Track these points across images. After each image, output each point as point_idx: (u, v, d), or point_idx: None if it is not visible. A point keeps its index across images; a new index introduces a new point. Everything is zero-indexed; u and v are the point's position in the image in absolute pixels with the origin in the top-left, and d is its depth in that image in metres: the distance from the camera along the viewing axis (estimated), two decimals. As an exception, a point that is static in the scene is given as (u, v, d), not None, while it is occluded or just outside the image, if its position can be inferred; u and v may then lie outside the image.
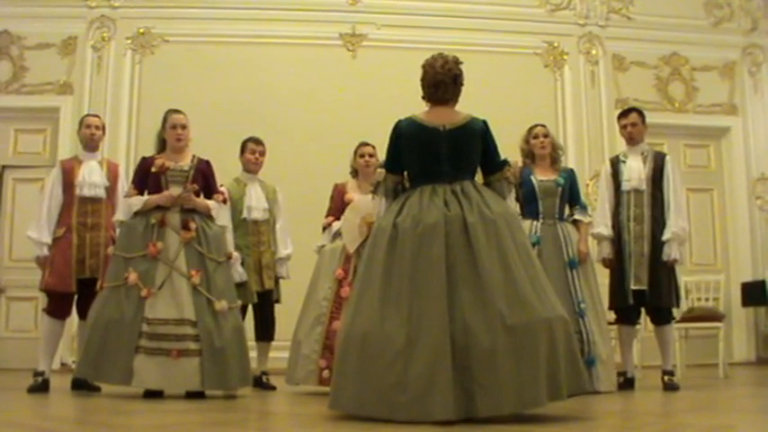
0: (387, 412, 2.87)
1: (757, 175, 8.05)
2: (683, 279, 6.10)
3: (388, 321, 2.99)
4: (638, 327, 5.24)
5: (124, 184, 4.85)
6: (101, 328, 4.16)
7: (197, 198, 4.45)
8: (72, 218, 4.73)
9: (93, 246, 4.71)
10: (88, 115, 5.29)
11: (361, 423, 2.87)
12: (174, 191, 4.40)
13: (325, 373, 4.37)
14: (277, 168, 5.85)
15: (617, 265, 4.86)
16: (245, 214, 5.13)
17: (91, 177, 4.79)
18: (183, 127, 4.54)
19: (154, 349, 4.07)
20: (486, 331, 2.88)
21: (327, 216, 4.94)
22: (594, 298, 4.70)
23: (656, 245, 4.76)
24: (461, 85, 3.41)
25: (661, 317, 4.84)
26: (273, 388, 5.02)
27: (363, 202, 4.43)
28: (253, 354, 4.78)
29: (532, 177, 4.84)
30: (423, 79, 3.40)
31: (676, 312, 5.38)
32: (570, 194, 4.90)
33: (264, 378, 5.12)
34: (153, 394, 4.14)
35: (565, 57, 7.98)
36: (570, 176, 4.94)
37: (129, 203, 4.41)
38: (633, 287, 4.76)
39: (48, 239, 4.69)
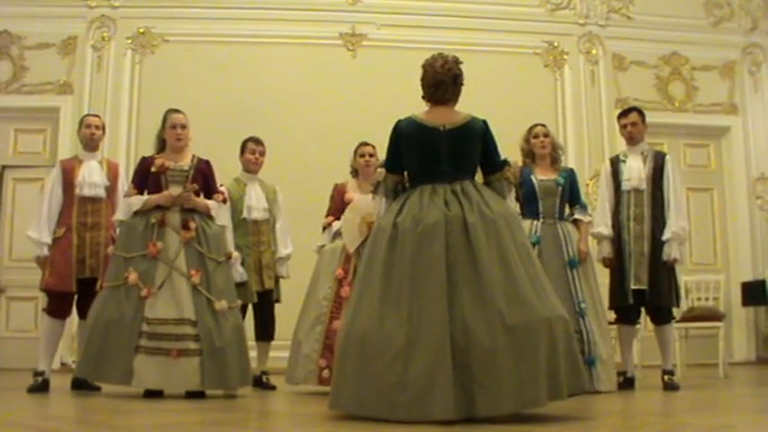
0: (387, 412, 2.87)
1: (757, 174, 8.05)
2: (683, 279, 6.09)
3: (388, 321, 2.99)
4: (638, 326, 5.24)
5: (124, 183, 4.85)
6: (101, 328, 4.16)
7: (197, 198, 4.45)
8: (72, 218, 4.73)
9: (93, 245, 4.71)
10: (88, 115, 5.29)
11: (361, 423, 2.87)
12: (174, 191, 4.40)
13: (325, 373, 4.37)
14: (277, 168, 5.85)
15: (617, 264, 4.86)
16: (245, 214, 5.13)
17: (91, 177, 4.79)
18: (183, 127, 4.54)
19: (154, 349, 4.07)
20: (486, 331, 2.88)
21: (327, 216, 4.94)
22: (595, 297, 4.70)
23: (656, 244, 4.77)
24: (461, 84, 3.41)
25: (661, 316, 4.84)
26: (273, 388, 5.03)
27: (363, 202, 4.43)
28: (253, 353, 4.79)
29: (532, 177, 4.84)
30: (423, 79, 3.40)
31: (676, 312, 5.38)
32: (570, 194, 4.90)
33: (264, 378, 5.12)
34: (153, 394, 4.14)
35: (565, 56, 7.98)
36: (570, 176, 4.94)
37: (128, 203, 4.41)
38: (633, 287, 4.76)
39: (48, 239, 4.69)
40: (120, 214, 4.48)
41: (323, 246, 4.90)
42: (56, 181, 4.80)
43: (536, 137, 4.94)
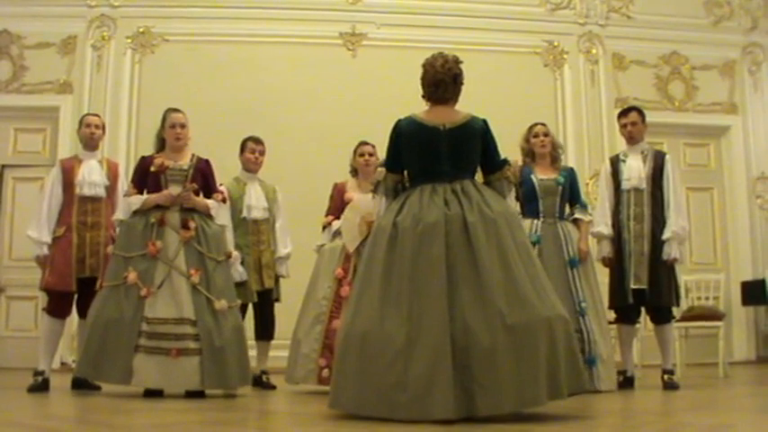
0: (387, 411, 2.87)
1: (757, 173, 8.05)
2: (683, 278, 6.09)
3: (387, 321, 2.99)
4: (637, 326, 5.24)
5: (124, 183, 4.85)
6: (100, 328, 4.16)
7: (196, 197, 4.45)
8: (72, 217, 4.73)
9: (92, 245, 4.71)
10: (88, 114, 5.29)
11: (361, 422, 2.87)
12: (174, 190, 4.40)
13: (325, 373, 4.37)
14: (277, 168, 5.85)
15: (617, 264, 4.86)
16: (244, 213, 5.13)
17: (91, 176, 4.79)
18: (183, 126, 4.54)
19: (153, 348, 4.07)
20: (486, 330, 2.88)
21: (327, 215, 4.94)
22: (595, 297, 4.70)
23: (656, 244, 4.77)
24: (461, 84, 3.41)
25: (661, 316, 4.84)
26: (273, 387, 5.03)
27: (363, 202, 4.43)
28: (252, 353, 4.79)
29: (533, 176, 4.84)
30: (423, 78, 3.40)
31: (676, 311, 5.37)
32: (570, 193, 4.90)
33: (264, 377, 5.12)
34: (153, 393, 4.14)
35: (565, 56, 7.98)
36: (570, 175, 4.94)
37: (128, 202, 4.41)
38: (633, 286, 4.76)
39: (47, 239, 4.69)
40: (120, 214, 4.48)
41: (322, 245, 4.90)
42: (56, 180, 4.80)
43: (536, 136, 4.94)
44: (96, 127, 4.98)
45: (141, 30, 7.54)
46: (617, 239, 4.87)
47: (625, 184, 4.89)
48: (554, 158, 4.96)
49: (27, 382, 4.55)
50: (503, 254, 3.04)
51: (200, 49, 7.51)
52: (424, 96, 3.44)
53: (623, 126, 5.04)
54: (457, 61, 3.39)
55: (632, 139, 5.00)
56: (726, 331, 6.30)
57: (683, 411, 3.51)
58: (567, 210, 4.91)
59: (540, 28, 7.99)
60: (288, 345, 4.80)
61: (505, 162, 3.44)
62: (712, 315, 6.15)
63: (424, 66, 3.39)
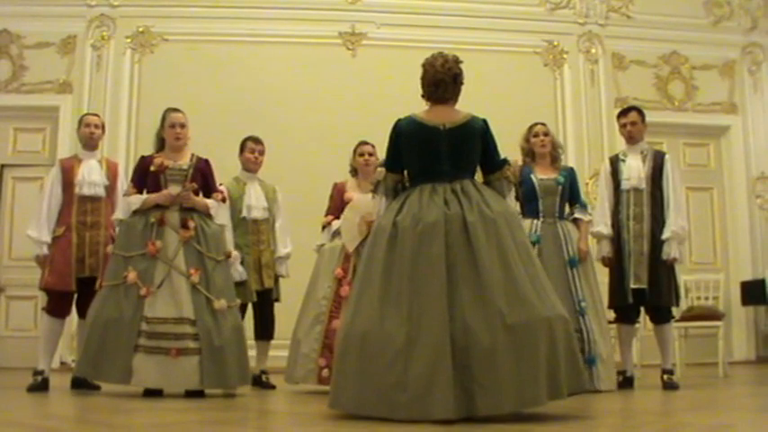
0: (387, 411, 2.87)
1: (757, 173, 8.05)
2: (683, 278, 6.09)
3: (387, 320, 2.98)
4: (637, 326, 5.24)
5: (123, 182, 4.85)
6: (100, 327, 4.16)
7: (196, 197, 4.45)
8: (71, 217, 4.73)
9: (92, 244, 4.71)
10: (87, 114, 5.29)
11: (360, 422, 2.87)
12: (173, 190, 4.39)
13: (325, 372, 4.37)
14: (277, 167, 5.86)
15: (616, 263, 4.86)
16: (244, 213, 5.13)
17: (90, 176, 4.79)
18: (182, 126, 4.54)
19: (153, 348, 4.07)
20: (486, 330, 2.88)
21: (327, 215, 4.94)
22: (595, 296, 4.70)
23: (656, 244, 4.76)
24: (461, 83, 3.40)
25: (660, 316, 4.84)
26: (273, 387, 5.03)
27: (363, 201, 4.43)
28: (252, 352, 4.79)
29: (532, 176, 4.84)
30: (423, 78, 3.39)
31: (676, 311, 5.38)
32: (570, 193, 4.90)
33: (264, 377, 5.12)
34: (152, 393, 4.14)
35: (564, 56, 7.98)
36: (570, 175, 4.94)
37: (128, 202, 4.41)
38: (633, 286, 4.76)
39: (47, 238, 4.69)
40: (120, 213, 4.47)
41: (322, 245, 4.89)
42: (55, 180, 4.80)
43: (536, 136, 4.94)
44: (96, 127, 4.98)
45: (141, 29, 7.54)
46: (616, 239, 4.87)
47: (625, 184, 4.89)
48: (554, 158, 4.96)
49: (27, 382, 4.55)
50: (503, 253, 3.04)
51: (200, 49, 7.51)
52: (423, 96, 3.43)
53: (623, 126, 5.04)
54: (457, 61, 3.39)
55: (632, 139, 5.00)
56: (725, 331, 6.31)
57: (683, 411, 3.50)
58: (567, 209, 4.91)
59: (540, 28, 7.99)
60: (287, 344, 4.80)
61: (505, 162, 3.43)
62: (712, 315, 6.16)
63: (423, 65, 3.39)
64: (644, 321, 5.56)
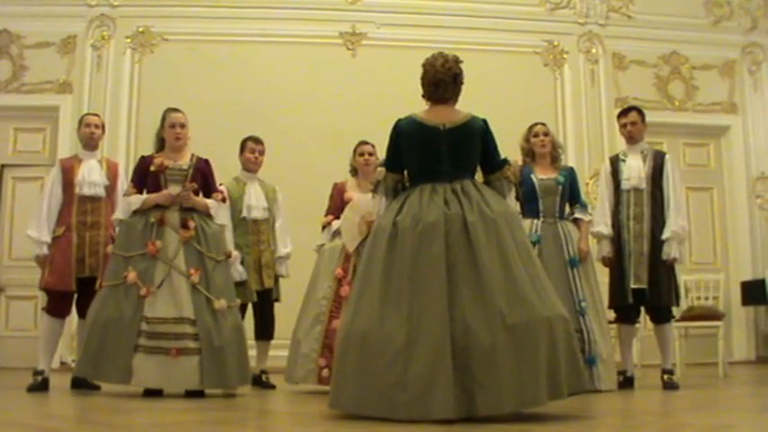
0: (387, 411, 2.87)
1: (757, 173, 8.05)
2: (683, 278, 6.10)
3: (387, 320, 2.98)
4: (637, 325, 5.23)
5: (124, 182, 4.84)
6: (100, 327, 4.16)
7: (196, 197, 4.45)
8: (72, 217, 4.73)
9: (92, 244, 4.71)
10: (88, 114, 5.30)
11: (360, 422, 2.87)
12: (173, 190, 4.39)
13: (325, 372, 4.37)
14: (277, 167, 5.86)
15: (616, 263, 4.86)
16: (244, 213, 5.13)
17: (90, 176, 4.79)
18: (182, 126, 4.54)
19: (153, 348, 4.06)
20: (487, 330, 2.88)
21: (327, 215, 4.93)
22: (595, 296, 4.70)
23: (656, 244, 4.76)
24: (461, 83, 3.40)
25: (661, 316, 4.84)
26: (273, 387, 5.03)
27: (363, 201, 4.43)
28: (252, 352, 4.79)
29: (533, 176, 4.84)
30: (423, 78, 3.39)
31: (676, 311, 5.37)
32: (570, 193, 4.90)
33: (264, 377, 5.12)
34: (152, 393, 4.14)
35: (565, 55, 7.98)
36: (570, 175, 4.94)
37: (128, 202, 4.41)
38: (633, 286, 4.76)
39: (47, 238, 4.69)
40: (120, 213, 4.47)
41: (322, 245, 4.89)
42: (55, 180, 4.80)
43: (536, 136, 4.94)
44: (96, 127, 4.98)
45: (141, 29, 7.54)
46: (617, 239, 4.87)
47: (625, 184, 4.89)
48: (554, 158, 4.96)
49: (27, 382, 4.55)
50: (503, 253, 3.04)
51: (200, 49, 7.51)
52: (424, 96, 3.43)
53: (623, 126, 5.04)
54: (457, 61, 3.39)
55: (632, 139, 5.00)
56: (725, 331, 6.31)
57: (683, 411, 3.50)
58: (568, 209, 4.90)
59: (540, 28, 7.99)
60: (287, 344, 4.80)
61: (505, 162, 3.43)
62: (712, 315, 6.16)
63: (424, 65, 3.39)
64: (644, 321, 5.56)
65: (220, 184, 4.83)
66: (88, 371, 4.25)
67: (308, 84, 7.49)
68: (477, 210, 3.13)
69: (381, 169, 3.46)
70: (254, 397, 4.42)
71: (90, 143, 4.94)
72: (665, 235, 4.75)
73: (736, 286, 7.64)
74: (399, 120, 3.39)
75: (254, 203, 5.18)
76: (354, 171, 5.01)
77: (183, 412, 3.37)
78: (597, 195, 5.44)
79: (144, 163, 4.51)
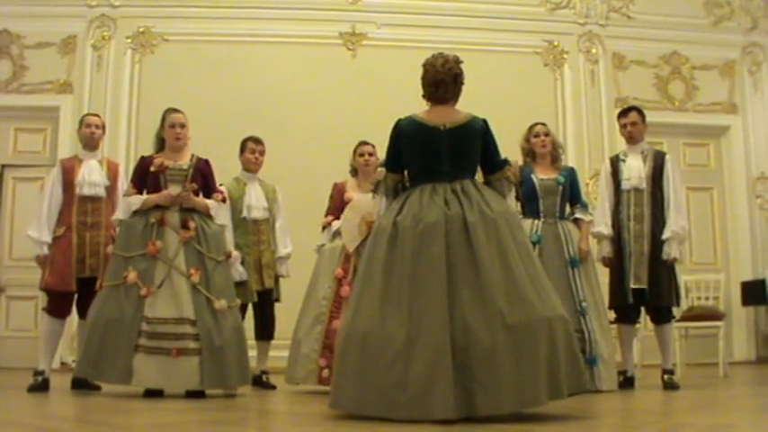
0: (387, 411, 2.87)
1: (757, 173, 8.05)
2: (683, 278, 6.09)
3: (388, 321, 2.99)
4: (637, 326, 5.23)
5: (124, 183, 4.84)
6: (100, 328, 4.16)
7: (196, 197, 4.45)
8: (72, 217, 4.73)
9: (93, 245, 4.71)
10: (88, 114, 5.29)
11: (361, 422, 2.87)
12: (173, 190, 4.39)
13: (325, 373, 4.37)
14: (277, 168, 5.86)
15: (617, 264, 4.86)
16: (244, 213, 5.13)
17: (91, 176, 4.79)
18: (182, 126, 4.54)
19: (153, 348, 4.06)
20: (487, 330, 2.88)
21: (327, 215, 4.94)
22: (596, 296, 4.70)
23: (656, 244, 4.76)
24: (462, 84, 3.41)
25: (661, 316, 4.84)
26: (273, 387, 5.03)
27: (363, 201, 4.43)
28: (253, 353, 4.79)
29: (533, 176, 4.84)
30: (423, 78, 3.40)
31: (676, 311, 5.37)
32: (571, 193, 4.90)
33: (264, 377, 5.12)
34: (153, 393, 4.14)
35: (565, 56, 7.98)
36: (571, 175, 4.94)
37: (128, 202, 4.41)
38: (633, 286, 4.76)
39: (48, 238, 4.69)
40: (120, 213, 4.47)
41: (322, 245, 4.89)
42: (56, 180, 4.80)
43: (536, 136, 4.94)
44: (96, 127, 4.98)
45: (141, 30, 7.54)
46: (617, 239, 4.87)
47: (625, 184, 4.89)
48: (554, 158, 4.96)
49: (27, 382, 4.55)
50: (503, 253, 3.04)
51: (200, 49, 7.51)
52: (424, 96, 3.44)
53: (623, 126, 5.04)
54: (457, 61, 3.39)
55: (632, 139, 5.00)
56: (726, 331, 6.30)
57: (684, 411, 3.50)
58: (568, 210, 4.90)
59: (540, 28, 7.99)
60: (288, 345, 4.80)
61: (506, 162, 3.44)
62: (712, 315, 6.16)
63: (424, 65, 3.40)
64: (644, 321, 5.56)
65: (220, 185, 4.84)
66: (88, 371, 4.25)
67: (308, 84, 7.48)
68: (478, 210, 3.13)
69: (382, 169, 3.47)
70: (255, 397, 4.42)
71: (90, 143, 4.94)
72: (666, 235, 4.75)
73: (736, 286, 7.63)
74: (399, 120, 3.39)
75: (255, 204, 5.18)
76: (354, 171, 5.01)
77: (184, 412, 3.38)
78: (597, 195, 5.44)
79: (144, 163, 4.51)
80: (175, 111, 4.59)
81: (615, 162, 5.02)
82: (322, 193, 5.13)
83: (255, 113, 7.11)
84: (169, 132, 4.53)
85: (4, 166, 7.43)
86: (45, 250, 4.69)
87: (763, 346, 7.78)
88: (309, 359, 4.54)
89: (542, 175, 4.85)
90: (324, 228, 4.93)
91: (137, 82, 7.46)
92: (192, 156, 4.58)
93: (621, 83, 8.02)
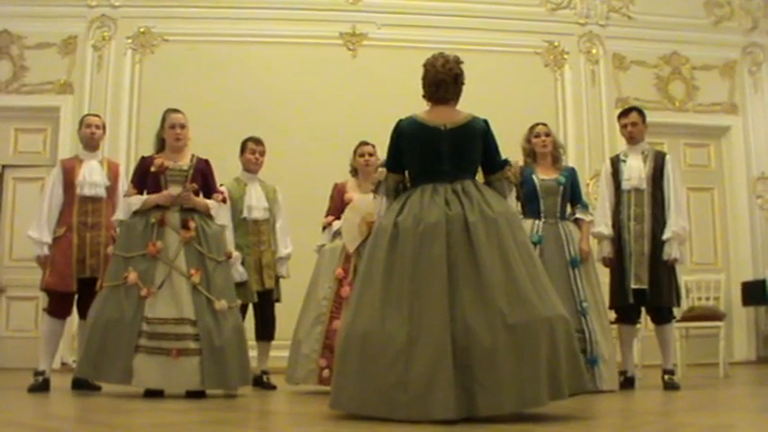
0: (387, 411, 2.87)
1: (757, 174, 8.05)
2: (684, 278, 6.09)
3: (388, 321, 2.99)
4: (638, 326, 5.23)
5: (124, 183, 4.84)
6: (101, 328, 4.16)
7: (196, 197, 4.45)
8: (72, 217, 4.73)
9: (93, 245, 4.71)
10: (88, 115, 5.30)
11: (361, 422, 2.87)
12: (174, 190, 4.40)
13: (326, 373, 4.37)
14: (277, 168, 5.85)
15: (617, 264, 4.86)
16: (245, 214, 5.13)
17: (91, 177, 4.79)
18: (182, 126, 4.54)
19: (153, 348, 4.07)
20: (487, 330, 2.88)
21: (327, 215, 4.94)
22: (596, 297, 4.70)
23: (657, 244, 4.76)
24: (462, 84, 3.41)
25: (661, 316, 4.84)
26: (274, 387, 5.02)
27: (363, 202, 4.43)
28: (253, 353, 4.79)
29: (534, 176, 4.84)
30: (424, 78, 3.40)
31: (677, 311, 5.37)
32: (572, 193, 4.90)
33: (265, 377, 5.12)
34: (153, 393, 4.14)
35: (565, 56, 7.98)
36: (571, 175, 4.94)
37: (128, 203, 4.41)
38: (633, 286, 4.76)
39: (48, 239, 4.69)
40: (120, 214, 4.47)
41: (323, 245, 4.90)
42: (56, 180, 4.80)
43: (537, 136, 4.94)
44: (97, 127, 4.98)
45: (141, 30, 7.54)
46: (617, 240, 4.87)
47: (625, 185, 4.89)
48: (555, 158, 4.96)
49: (27, 382, 4.55)
50: (503, 254, 3.04)
51: (200, 49, 7.51)
52: (424, 96, 3.44)
53: (623, 126, 5.04)
54: (458, 61, 3.39)
55: (633, 140, 5.00)
56: (726, 331, 6.30)
57: (684, 411, 3.50)
58: (569, 210, 4.90)
59: (541, 28, 7.99)
60: (288, 345, 4.80)
61: (506, 162, 3.44)
62: (713, 315, 6.16)
63: (425, 66, 3.40)
64: (645, 322, 5.56)
65: (221, 185, 4.83)
66: (89, 371, 4.25)
67: (309, 84, 7.48)
68: (478, 210, 3.13)
69: (382, 170, 3.47)
70: (255, 397, 4.42)
71: (91, 144, 4.94)
72: (666, 235, 4.75)
73: (736, 286, 7.63)
74: (400, 120, 3.39)
75: (255, 204, 5.18)
76: (355, 171, 5.01)
77: (184, 413, 3.38)
78: (598, 196, 5.44)
79: (144, 163, 4.51)
80: (175, 111, 4.59)
81: (615, 162, 5.02)
82: (322, 194, 5.13)
83: (255, 113, 7.11)
84: (169, 133, 4.53)
85: (4, 166, 7.43)
86: (45, 251, 4.69)
87: (764, 347, 7.78)
88: (310, 359, 4.54)
89: (543, 176, 4.85)
90: (324, 228, 4.93)
91: (137, 82, 7.46)
92: (193, 156, 4.58)
93: (622, 83, 8.02)
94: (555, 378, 2.89)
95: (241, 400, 4.16)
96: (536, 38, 7.95)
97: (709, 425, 2.86)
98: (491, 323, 2.89)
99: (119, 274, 4.23)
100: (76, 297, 4.74)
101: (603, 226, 4.89)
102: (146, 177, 4.45)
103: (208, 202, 4.50)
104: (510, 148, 3.91)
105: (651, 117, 5.43)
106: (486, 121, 3.38)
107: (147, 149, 4.76)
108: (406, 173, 3.42)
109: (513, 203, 3.65)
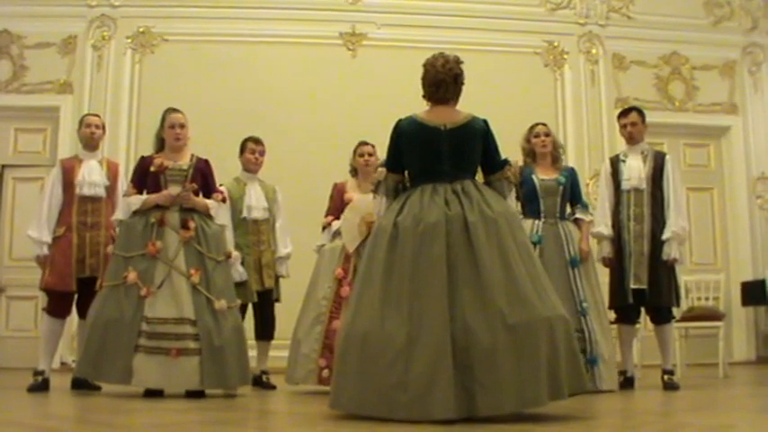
0: (387, 411, 2.87)
1: (757, 174, 8.05)
2: (683, 278, 6.09)
3: (388, 321, 2.99)
4: (637, 326, 5.24)
5: (124, 183, 4.84)
6: (100, 328, 4.16)
7: (196, 197, 4.45)
8: (72, 217, 4.73)
9: (93, 245, 4.71)
10: (88, 114, 5.30)
11: (361, 422, 2.87)
12: (173, 190, 4.40)
13: (325, 373, 4.37)
14: (277, 168, 5.86)
15: (617, 264, 4.86)
16: (244, 213, 5.13)
17: (91, 176, 4.79)
18: (182, 126, 4.54)
19: (153, 348, 4.07)
20: (487, 330, 2.88)
21: (327, 215, 4.94)
22: (596, 297, 4.70)
23: (656, 244, 4.77)
24: (462, 84, 3.41)
25: (661, 316, 4.84)
26: (273, 387, 5.03)
27: (363, 202, 4.43)
28: (253, 353, 4.79)
29: (533, 176, 4.84)
30: (423, 78, 3.40)
31: (676, 311, 5.37)
32: (571, 193, 4.90)
33: (264, 377, 5.12)
34: (153, 393, 4.14)
35: (565, 56, 7.98)
36: (571, 175, 4.94)
37: (128, 202, 4.41)
38: (633, 286, 4.76)
39: (48, 239, 4.69)
40: (120, 214, 4.47)
41: (322, 245, 4.90)
42: (56, 180, 4.80)
43: (537, 136, 4.94)
44: (96, 127, 4.98)
45: (141, 30, 7.54)
46: (617, 240, 4.87)
47: (625, 185, 4.89)
48: (555, 158, 4.96)
49: (27, 382, 4.55)
50: (503, 254, 3.04)
51: (200, 49, 7.51)
52: (424, 96, 3.44)
53: (623, 126, 5.04)
54: (458, 61, 3.39)
55: (632, 140, 5.00)
56: (726, 331, 6.30)
57: (683, 411, 3.51)
58: (568, 210, 4.90)
59: (540, 28, 7.99)
60: (288, 345, 4.79)
61: (506, 162, 3.44)
62: (712, 315, 6.16)
63: (424, 66, 3.40)
64: (644, 322, 5.56)
65: (220, 185, 4.84)
66: (88, 371, 4.25)
67: (308, 84, 7.48)
68: (478, 210, 3.13)
69: (382, 170, 3.47)
70: (255, 397, 4.42)
71: (90, 143, 4.94)
72: (666, 235, 4.75)
73: (736, 287, 7.63)
74: (400, 120, 3.39)
75: (255, 204, 5.18)
76: (354, 171, 5.01)
77: (184, 412, 3.38)
78: (597, 196, 5.44)
79: (144, 163, 4.51)
80: (175, 111, 4.59)
81: (615, 162, 5.02)
82: (322, 193, 5.13)
83: (255, 113, 7.11)
84: (169, 132, 4.53)
85: (4, 166, 7.43)
86: (45, 250, 4.69)
87: (763, 347, 7.78)
88: (309, 359, 4.54)
89: (543, 176, 4.85)
90: (324, 228, 4.93)
91: (137, 82, 7.46)
92: (192, 156, 4.58)
93: (621, 83, 8.02)
94: (555, 378, 2.89)
95: (241, 399, 4.16)
96: (536, 38, 7.95)
97: (708, 425, 2.86)
98: (491, 323, 2.89)
99: (118, 274, 4.23)
100: (76, 297, 4.74)
101: (603, 226, 4.89)
102: (145, 177, 4.45)
103: (207, 201, 4.50)
104: (510, 148, 3.91)
105: (651, 117, 5.43)
106: (485, 121, 3.38)
107: (147, 149, 4.76)
108: (406, 173, 3.42)
109: (513, 203, 3.65)
